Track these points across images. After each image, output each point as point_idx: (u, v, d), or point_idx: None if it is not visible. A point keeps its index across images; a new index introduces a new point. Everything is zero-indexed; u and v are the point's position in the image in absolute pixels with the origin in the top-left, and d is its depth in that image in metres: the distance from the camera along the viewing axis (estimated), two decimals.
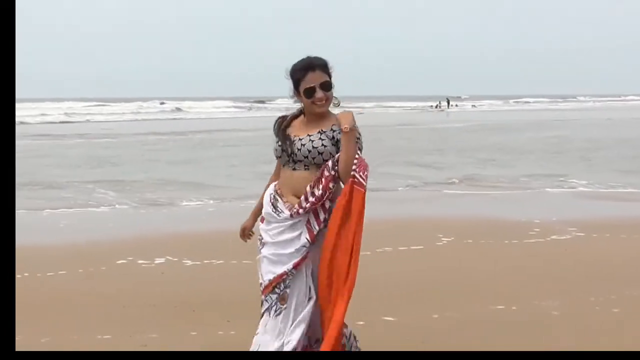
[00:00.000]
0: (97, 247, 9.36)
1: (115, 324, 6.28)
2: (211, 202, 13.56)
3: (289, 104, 4.48)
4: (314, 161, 4.34)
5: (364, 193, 4.27)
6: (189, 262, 8.48)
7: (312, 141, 4.35)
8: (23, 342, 5.79)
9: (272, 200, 4.49)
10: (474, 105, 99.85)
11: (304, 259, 4.35)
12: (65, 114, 59.72)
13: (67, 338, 5.91)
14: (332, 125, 4.39)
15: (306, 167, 4.38)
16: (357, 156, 4.26)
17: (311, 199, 4.29)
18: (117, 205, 13.03)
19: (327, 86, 4.35)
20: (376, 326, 6.22)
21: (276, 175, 4.66)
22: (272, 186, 4.58)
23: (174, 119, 58.22)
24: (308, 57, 4.38)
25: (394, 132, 37.18)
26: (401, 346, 5.67)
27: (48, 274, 7.94)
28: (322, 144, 4.34)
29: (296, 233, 4.35)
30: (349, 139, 4.25)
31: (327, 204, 4.33)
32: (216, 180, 16.77)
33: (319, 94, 4.33)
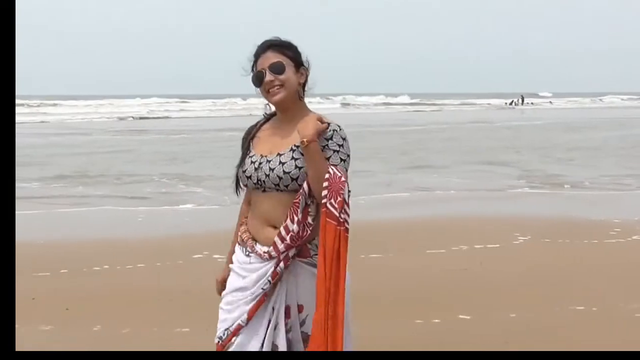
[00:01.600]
0: (174, 241, 9.49)
1: (192, 317, 6.36)
2: None
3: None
4: (288, 188, 3.31)
5: (340, 231, 3.17)
6: None
7: (283, 163, 3.31)
8: (104, 333, 5.92)
9: (245, 253, 3.47)
10: (550, 102, 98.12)
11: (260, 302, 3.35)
12: (149, 110, 60.60)
13: (146, 330, 6.02)
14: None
15: (280, 190, 3.34)
16: (326, 176, 3.21)
17: (287, 236, 3.27)
18: (189, 202, 13.20)
19: (277, 67, 3.35)
20: (452, 324, 6.16)
21: (247, 203, 3.63)
22: (242, 228, 3.57)
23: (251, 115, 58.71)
24: (264, 41, 3.46)
25: (469, 130, 36.81)
26: (479, 346, 5.61)
27: (127, 266, 8.08)
28: (296, 165, 3.29)
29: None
30: (310, 155, 3.22)
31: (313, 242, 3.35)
32: None
33: (268, 77, 3.36)
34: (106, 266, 8.04)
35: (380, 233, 9.88)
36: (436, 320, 6.18)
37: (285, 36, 3.44)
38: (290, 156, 3.30)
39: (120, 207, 12.41)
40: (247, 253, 3.43)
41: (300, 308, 3.35)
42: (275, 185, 3.31)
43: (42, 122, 44.61)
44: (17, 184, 15.13)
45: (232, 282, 3.47)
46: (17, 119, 43.14)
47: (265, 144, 3.45)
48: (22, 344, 5.68)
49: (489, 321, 6.24)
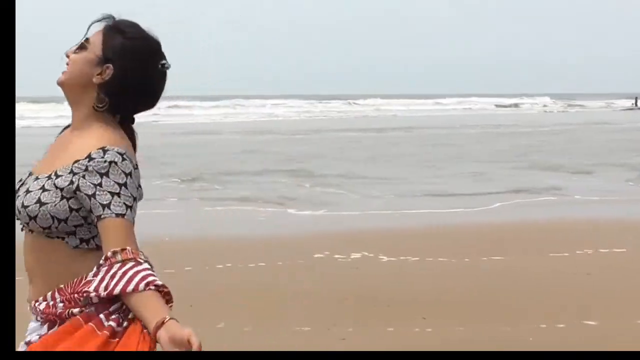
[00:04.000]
0: (295, 241, 9.61)
1: (313, 316, 6.42)
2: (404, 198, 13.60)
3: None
4: (45, 233, 2.34)
5: None
6: (385, 259, 8.54)
7: (30, 192, 2.35)
8: (227, 331, 6.05)
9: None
10: None
11: None
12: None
13: (267, 328, 6.12)
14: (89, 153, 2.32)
15: (49, 235, 2.36)
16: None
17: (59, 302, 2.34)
18: (302, 201, 13.33)
19: (81, 44, 2.42)
20: (576, 330, 6.01)
21: None
22: None
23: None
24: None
25: (591, 132, 35.76)
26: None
27: (249, 265, 8.23)
28: (39, 199, 2.32)
29: None
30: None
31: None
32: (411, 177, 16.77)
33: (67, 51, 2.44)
34: (229, 264, 8.21)
35: (502, 234, 9.75)
36: (560, 325, 6.05)
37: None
38: (46, 180, 2.34)
39: (245, 207, 12.64)
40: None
41: None
42: (26, 224, 2.37)
43: (188, 123, 45.84)
44: (154, 182, 15.63)
45: None
46: (168, 119, 44.56)
47: (47, 157, 2.47)
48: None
49: (615, 328, 6.06)
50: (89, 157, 2.30)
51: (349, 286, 7.38)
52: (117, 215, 2.26)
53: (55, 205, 2.29)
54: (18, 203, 2.35)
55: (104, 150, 2.31)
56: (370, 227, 10.61)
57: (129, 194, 2.29)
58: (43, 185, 2.32)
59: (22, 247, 2.42)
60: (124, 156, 2.32)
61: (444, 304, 6.69)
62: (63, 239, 2.33)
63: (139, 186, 2.39)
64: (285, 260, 8.41)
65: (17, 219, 2.39)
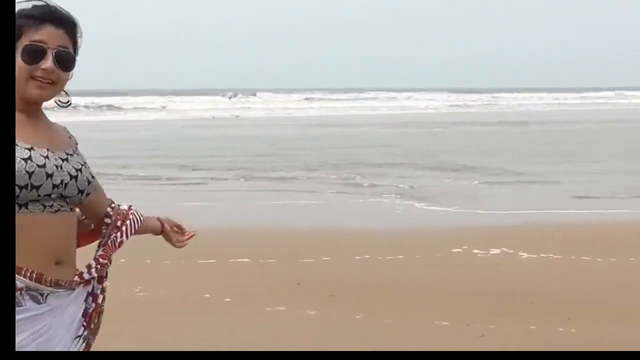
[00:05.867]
0: (433, 234, 9.53)
1: (452, 311, 6.34)
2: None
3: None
4: (84, 200, 2.55)
5: None
6: (525, 255, 8.35)
7: (83, 165, 2.56)
8: (366, 322, 6.06)
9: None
10: None
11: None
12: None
13: (407, 322, 6.08)
14: (69, 139, 2.62)
15: (72, 208, 2.55)
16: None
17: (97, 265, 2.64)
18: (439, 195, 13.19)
19: (67, 60, 2.47)
20: None
21: None
22: None
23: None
24: (49, 3, 2.48)
25: None
26: None
27: (387, 257, 8.21)
28: (90, 173, 2.60)
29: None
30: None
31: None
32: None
33: (49, 63, 2.42)
34: (367, 256, 8.22)
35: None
36: None
37: None
38: (83, 160, 2.58)
39: (382, 200, 12.63)
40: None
41: None
42: (79, 192, 2.51)
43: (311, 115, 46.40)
44: (283, 174, 15.89)
45: None
46: (302, 112, 45.26)
47: (39, 136, 2.49)
48: (289, 327, 5.94)
49: None
50: (71, 138, 2.63)
51: (488, 282, 7.25)
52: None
53: (93, 177, 2.59)
54: (82, 178, 2.51)
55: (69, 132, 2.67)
56: (508, 223, 10.40)
57: None
58: (85, 161, 2.58)
59: (31, 232, 2.42)
60: None
61: (590, 304, 6.47)
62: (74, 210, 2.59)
63: None
64: (423, 254, 8.35)
65: (62, 196, 2.46)
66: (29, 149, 2.41)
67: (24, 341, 2.41)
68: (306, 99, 65.24)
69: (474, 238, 9.10)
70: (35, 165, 2.38)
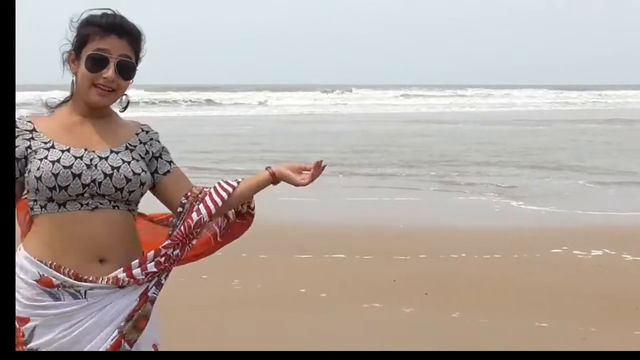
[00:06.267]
0: (531, 234, 9.34)
1: (551, 312, 6.19)
2: None
3: None
4: (129, 197, 2.62)
5: None
6: (629, 257, 8.10)
7: (128, 162, 2.61)
8: (462, 321, 5.97)
9: (46, 285, 2.54)
10: None
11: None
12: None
13: (504, 322, 5.96)
14: (136, 133, 2.73)
15: (116, 206, 2.60)
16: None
17: (160, 260, 2.63)
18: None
19: (128, 69, 2.62)
20: None
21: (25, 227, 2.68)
22: (24, 258, 2.58)
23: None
24: (117, 14, 2.63)
25: None
26: None
27: (484, 256, 8.08)
28: (142, 169, 2.64)
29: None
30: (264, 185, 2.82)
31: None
32: None
33: (110, 72, 2.58)
34: (463, 254, 8.11)
35: None
36: None
37: None
38: (130, 155, 2.63)
39: (480, 198, 12.46)
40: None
41: None
42: (116, 190, 2.57)
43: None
44: (380, 170, 15.85)
45: None
46: (397, 109, 45.10)
47: (77, 137, 2.61)
48: (384, 324, 5.91)
49: None
50: (146, 132, 2.73)
51: (589, 284, 7.06)
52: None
53: (146, 173, 2.65)
54: (119, 176, 2.57)
55: (145, 127, 2.75)
56: (611, 224, 10.11)
57: None
58: (133, 156, 2.63)
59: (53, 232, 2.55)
60: None
61: None
62: (129, 209, 2.64)
63: None
64: (522, 254, 8.19)
65: (95, 194, 2.55)
66: (64, 151, 2.55)
67: (57, 335, 2.51)
68: (403, 95, 64.93)
69: (575, 239, 8.87)
70: (60, 167, 2.51)
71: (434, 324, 5.91)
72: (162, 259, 2.61)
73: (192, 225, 2.64)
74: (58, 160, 2.52)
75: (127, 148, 2.64)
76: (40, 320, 2.51)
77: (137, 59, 2.67)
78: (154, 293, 2.63)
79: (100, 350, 2.53)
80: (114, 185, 2.56)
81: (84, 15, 2.62)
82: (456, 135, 25.62)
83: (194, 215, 2.64)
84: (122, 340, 2.56)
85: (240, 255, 7.83)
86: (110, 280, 2.55)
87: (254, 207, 2.83)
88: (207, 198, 2.67)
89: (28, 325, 2.51)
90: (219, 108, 47.35)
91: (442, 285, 6.93)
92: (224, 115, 39.61)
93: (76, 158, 2.54)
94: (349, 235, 8.97)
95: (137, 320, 2.59)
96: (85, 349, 2.52)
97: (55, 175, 2.50)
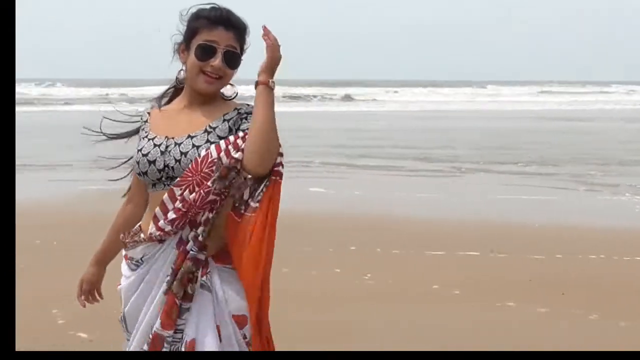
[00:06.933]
0: None
1: None
2: None
3: None
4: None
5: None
6: None
7: (197, 147, 2.75)
8: (600, 323, 5.83)
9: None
10: None
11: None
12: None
13: None
14: (225, 113, 2.83)
15: None
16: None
17: (178, 206, 2.72)
18: None
19: (233, 59, 2.82)
20: None
21: (135, 204, 3.02)
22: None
23: None
24: (224, 8, 2.85)
25: None
26: None
27: (624, 258, 7.82)
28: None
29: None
30: (267, 96, 2.74)
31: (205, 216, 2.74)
32: None
33: (218, 61, 2.79)
34: (602, 255, 7.87)
35: None
36: None
37: None
38: (205, 138, 2.76)
39: (619, 198, 12.07)
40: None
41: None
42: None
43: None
44: (515, 168, 15.57)
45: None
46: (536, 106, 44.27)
47: (168, 125, 2.86)
48: (518, 323, 5.82)
49: None
50: (237, 111, 2.81)
51: None
52: None
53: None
54: (186, 160, 2.72)
55: (241, 107, 2.84)
56: None
57: None
58: (207, 139, 2.75)
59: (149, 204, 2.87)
60: None
61: None
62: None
63: None
64: None
65: (161, 175, 2.77)
66: (149, 139, 2.83)
67: (130, 303, 2.83)
68: (541, 92, 63.45)
69: None
70: (141, 155, 2.82)
71: (569, 325, 5.77)
72: (180, 205, 2.70)
73: (199, 161, 2.71)
74: (141, 150, 2.83)
75: (205, 131, 2.78)
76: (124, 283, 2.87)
77: (242, 50, 2.86)
78: (194, 251, 2.71)
79: (156, 309, 2.74)
80: (182, 169, 2.74)
81: (193, 10, 2.84)
82: (596, 134, 24.84)
83: (202, 152, 2.73)
84: (175, 299, 2.70)
85: (374, 250, 7.90)
86: (147, 237, 2.77)
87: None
88: (222, 142, 2.73)
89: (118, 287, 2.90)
90: (351, 104, 47.57)
91: (579, 286, 6.76)
92: (359, 112, 39.77)
93: (155, 146, 2.81)
94: (483, 233, 8.86)
95: (182, 278, 2.70)
96: (146, 307, 2.78)
97: (138, 163, 2.82)
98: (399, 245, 8.11)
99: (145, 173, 2.80)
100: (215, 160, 2.68)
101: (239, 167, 2.67)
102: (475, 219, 9.82)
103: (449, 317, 5.96)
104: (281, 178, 2.71)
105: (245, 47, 2.87)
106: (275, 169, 2.69)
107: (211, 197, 2.68)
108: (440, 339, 5.35)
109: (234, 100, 2.90)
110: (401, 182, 13.57)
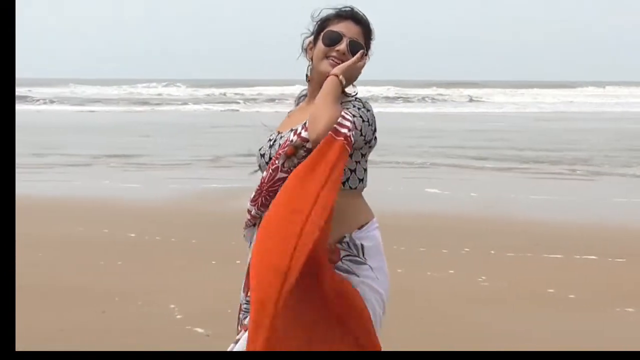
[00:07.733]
0: None
1: None
2: None
3: None
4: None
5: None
6: None
7: (283, 138, 2.97)
8: None
9: None
10: None
11: None
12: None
13: None
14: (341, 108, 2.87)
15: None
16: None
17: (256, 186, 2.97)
18: None
19: (357, 47, 2.95)
20: None
21: None
22: None
23: None
24: (354, 7, 3.03)
25: None
26: None
27: None
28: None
29: None
30: (331, 83, 2.86)
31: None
32: None
33: (343, 46, 2.94)
34: None
35: None
36: None
37: None
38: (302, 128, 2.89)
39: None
40: None
41: None
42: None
43: None
44: (631, 171, 15.15)
45: None
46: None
47: (286, 122, 3.07)
48: (636, 329, 5.72)
49: None
50: (345, 105, 2.88)
51: None
52: None
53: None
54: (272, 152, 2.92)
55: (349, 103, 2.93)
56: None
57: None
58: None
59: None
60: None
61: None
62: None
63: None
64: None
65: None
66: (269, 139, 3.01)
67: None
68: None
69: None
70: (257, 150, 3.02)
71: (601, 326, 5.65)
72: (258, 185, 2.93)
73: (280, 145, 2.89)
74: (261, 148, 3.02)
75: (305, 122, 2.87)
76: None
77: (366, 46, 3.01)
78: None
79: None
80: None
81: (324, 12, 3.02)
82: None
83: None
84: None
85: (488, 252, 7.88)
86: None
87: None
88: (299, 126, 2.88)
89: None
90: (480, 106, 46.99)
91: None
92: (484, 113, 39.29)
93: (268, 141, 3.00)
94: (600, 237, 8.70)
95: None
96: None
97: (256, 157, 3.03)
98: (514, 247, 8.06)
99: (259, 166, 3.00)
100: (289, 141, 2.85)
101: (307, 145, 2.80)
102: (591, 222, 9.64)
103: (565, 322, 5.89)
104: (342, 138, 2.74)
105: (369, 52, 3.02)
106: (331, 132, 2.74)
107: (280, 174, 2.84)
108: (555, 344, 5.31)
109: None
110: (518, 184, 13.43)
